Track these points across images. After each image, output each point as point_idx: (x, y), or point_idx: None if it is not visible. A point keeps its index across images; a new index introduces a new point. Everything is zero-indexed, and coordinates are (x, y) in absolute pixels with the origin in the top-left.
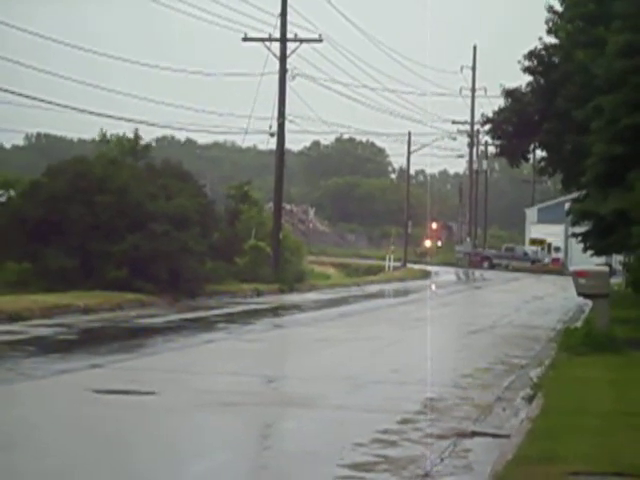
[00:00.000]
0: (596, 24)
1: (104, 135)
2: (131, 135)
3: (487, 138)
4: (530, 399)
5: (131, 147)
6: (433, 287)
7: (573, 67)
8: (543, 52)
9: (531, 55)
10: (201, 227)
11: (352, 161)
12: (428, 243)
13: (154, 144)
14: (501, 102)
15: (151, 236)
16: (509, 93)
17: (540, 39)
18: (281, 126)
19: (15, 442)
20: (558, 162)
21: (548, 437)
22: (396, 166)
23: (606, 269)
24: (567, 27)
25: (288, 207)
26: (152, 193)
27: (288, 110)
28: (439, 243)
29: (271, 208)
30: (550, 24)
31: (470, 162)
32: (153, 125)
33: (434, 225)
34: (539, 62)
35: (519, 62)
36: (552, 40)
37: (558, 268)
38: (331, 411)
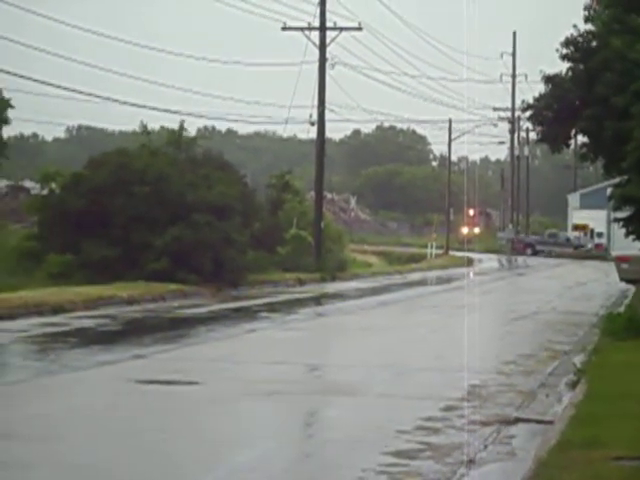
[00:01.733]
0: (633, 10)
1: (145, 127)
2: (175, 127)
3: (528, 124)
4: (573, 385)
5: (175, 139)
6: (471, 275)
7: (611, 54)
8: (579, 39)
9: (568, 42)
10: (243, 217)
11: (393, 149)
12: (465, 230)
13: (195, 135)
14: (541, 88)
15: (193, 227)
16: (549, 79)
17: (575, 26)
18: (321, 115)
19: (59, 434)
20: (599, 148)
21: (591, 423)
22: (437, 153)
23: None
24: (602, 15)
25: (329, 196)
26: (193, 183)
27: (328, 99)
28: (476, 230)
29: (312, 197)
30: (589, 11)
31: (511, 148)
32: (193, 115)
33: (471, 212)
34: (576, 49)
35: (557, 50)
36: (589, 27)
37: (601, 253)
38: (374, 399)
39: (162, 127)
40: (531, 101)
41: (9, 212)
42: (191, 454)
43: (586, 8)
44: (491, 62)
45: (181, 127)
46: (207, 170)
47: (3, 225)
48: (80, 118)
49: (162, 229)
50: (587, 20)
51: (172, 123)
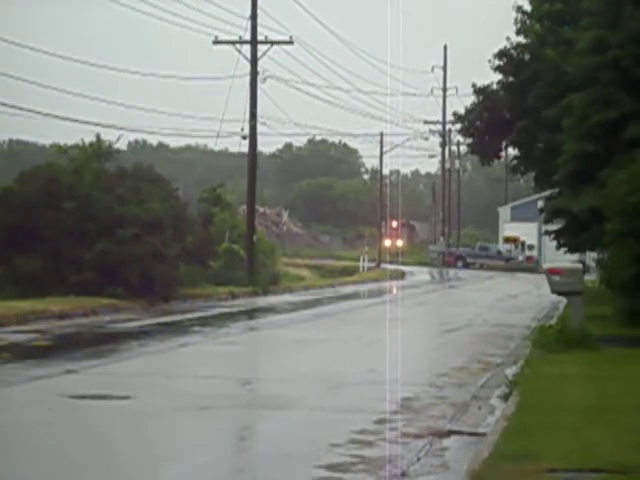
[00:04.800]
0: (564, 23)
1: (60, 147)
2: (93, 139)
3: (459, 137)
4: (506, 397)
5: (94, 152)
6: (403, 288)
7: (543, 65)
8: (512, 51)
9: (501, 54)
10: (174, 230)
11: (325, 162)
12: (388, 242)
13: (126, 149)
14: (473, 101)
15: (120, 241)
16: (480, 90)
17: (508, 39)
18: (253, 128)
19: None
20: (530, 160)
21: (524, 434)
22: (369, 167)
23: (580, 266)
24: (535, 27)
25: (261, 209)
26: (122, 197)
27: (260, 112)
28: (399, 242)
29: (244, 211)
30: (519, 24)
31: (442, 161)
32: (123, 129)
33: (394, 223)
34: (509, 61)
35: (489, 61)
36: (521, 39)
37: (532, 266)
38: (307, 412)
39: (83, 142)
40: (462, 113)
41: None
42: (123, 469)
43: (517, 22)
44: (423, 76)
45: (98, 139)
46: (137, 183)
47: None
48: (11, 132)
49: (91, 243)
50: (519, 32)
51: (104, 136)
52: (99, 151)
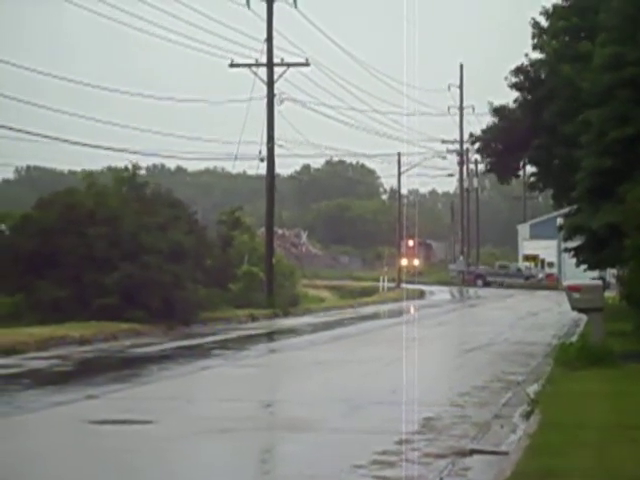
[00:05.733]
0: (581, 38)
1: (88, 174)
2: (122, 165)
3: (477, 156)
4: (527, 415)
5: (129, 178)
6: (423, 307)
7: (559, 82)
8: (529, 68)
9: (518, 71)
10: (194, 255)
11: (343, 183)
12: (404, 262)
13: (144, 173)
14: (490, 119)
15: (144, 266)
16: (497, 111)
17: (526, 55)
18: (270, 150)
19: (14, 475)
20: (548, 177)
21: (546, 453)
22: (387, 187)
23: (600, 283)
24: (552, 43)
25: (280, 231)
26: (145, 224)
27: (277, 134)
28: (416, 262)
29: (263, 233)
30: (536, 40)
31: (461, 180)
32: (141, 154)
33: (410, 242)
34: (525, 78)
35: (506, 78)
36: (538, 55)
37: (552, 283)
38: (329, 434)
39: (109, 167)
40: (479, 133)
41: None
42: None
43: (533, 37)
44: (439, 95)
45: (135, 167)
46: (157, 208)
47: None
48: (29, 159)
49: (113, 268)
50: (535, 48)
51: (119, 161)
52: (134, 178)
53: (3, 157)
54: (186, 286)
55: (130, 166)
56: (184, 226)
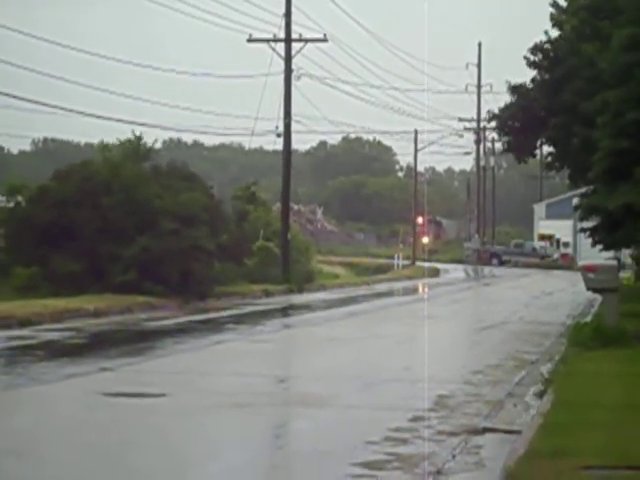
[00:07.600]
0: (601, 17)
1: (105, 146)
2: (133, 138)
3: (494, 134)
4: (541, 394)
5: (133, 150)
6: (438, 285)
7: (579, 61)
8: (548, 46)
9: (536, 49)
10: (210, 227)
11: (359, 160)
12: (425, 240)
13: (160, 146)
14: (507, 98)
15: (160, 235)
16: (515, 89)
17: (546, 33)
18: (287, 126)
19: (26, 447)
20: (565, 157)
21: (559, 432)
22: (403, 164)
23: (615, 263)
24: (572, 20)
25: (296, 207)
26: (158, 193)
27: (294, 110)
28: (425, 240)
29: (279, 208)
30: (555, 21)
31: (477, 159)
32: (159, 127)
33: (420, 220)
34: (544, 56)
35: (525, 58)
36: (557, 33)
37: (567, 263)
38: (342, 410)
39: (115, 141)
40: (496, 111)
41: None
42: (160, 466)
43: (552, 18)
44: (457, 73)
45: (138, 138)
46: (172, 181)
47: None
48: (46, 130)
49: (129, 240)
50: (554, 25)
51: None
52: (137, 150)
53: (20, 129)
54: (203, 251)
55: (137, 138)
56: (200, 198)
